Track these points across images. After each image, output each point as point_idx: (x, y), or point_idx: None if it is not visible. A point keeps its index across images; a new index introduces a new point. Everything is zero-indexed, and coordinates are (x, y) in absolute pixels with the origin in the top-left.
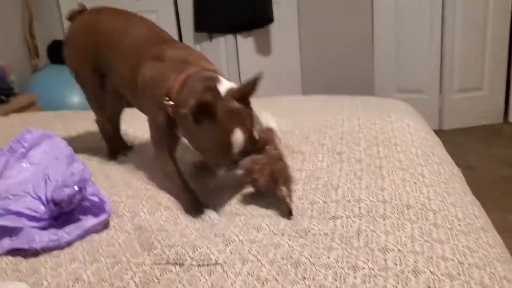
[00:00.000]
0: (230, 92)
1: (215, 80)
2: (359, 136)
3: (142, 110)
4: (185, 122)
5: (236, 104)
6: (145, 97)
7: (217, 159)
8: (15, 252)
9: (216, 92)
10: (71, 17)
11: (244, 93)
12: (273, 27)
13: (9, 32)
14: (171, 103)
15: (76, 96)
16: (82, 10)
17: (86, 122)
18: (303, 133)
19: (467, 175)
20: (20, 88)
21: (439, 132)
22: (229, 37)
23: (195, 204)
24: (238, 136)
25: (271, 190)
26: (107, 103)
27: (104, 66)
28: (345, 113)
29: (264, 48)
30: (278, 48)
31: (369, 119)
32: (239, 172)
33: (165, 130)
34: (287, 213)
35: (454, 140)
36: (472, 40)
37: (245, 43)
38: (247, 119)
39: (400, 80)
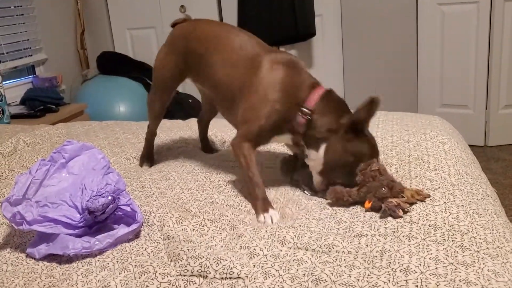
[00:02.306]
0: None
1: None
2: (391, 154)
3: (232, 111)
4: (323, 135)
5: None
6: (258, 97)
7: (344, 175)
8: (51, 257)
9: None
10: (174, 25)
11: (368, 116)
12: (316, 40)
13: (62, 44)
14: (307, 111)
15: (123, 106)
16: (185, 20)
17: (127, 132)
18: None
19: None
20: (71, 98)
21: (484, 148)
22: None
23: (263, 202)
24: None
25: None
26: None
27: (194, 71)
28: (380, 130)
29: (306, 61)
30: (320, 61)
31: (403, 137)
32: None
33: (267, 131)
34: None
35: (499, 156)
36: None
37: None
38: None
39: (444, 94)
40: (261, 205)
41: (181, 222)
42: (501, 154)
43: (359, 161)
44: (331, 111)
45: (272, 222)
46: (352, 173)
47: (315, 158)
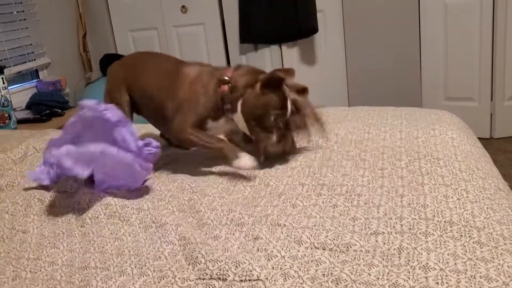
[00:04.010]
0: None
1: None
2: (400, 150)
3: (164, 111)
4: (243, 94)
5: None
6: (188, 94)
7: (269, 121)
8: (69, 263)
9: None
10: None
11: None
12: (318, 37)
13: (65, 48)
14: (227, 79)
15: None
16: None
17: None
18: (344, 147)
19: None
20: (75, 101)
21: (490, 141)
22: (274, 48)
23: (231, 150)
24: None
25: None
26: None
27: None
28: (388, 126)
29: (309, 58)
30: (323, 58)
31: (411, 132)
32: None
33: (204, 115)
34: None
35: (505, 148)
36: None
37: (290, 53)
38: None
39: (449, 87)
40: (230, 153)
41: (194, 224)
42: (507, 146)
43: (268, 111)
44: (247, 73)
45: (246, 162)
46: (266, 121)
47: (236, 116)
